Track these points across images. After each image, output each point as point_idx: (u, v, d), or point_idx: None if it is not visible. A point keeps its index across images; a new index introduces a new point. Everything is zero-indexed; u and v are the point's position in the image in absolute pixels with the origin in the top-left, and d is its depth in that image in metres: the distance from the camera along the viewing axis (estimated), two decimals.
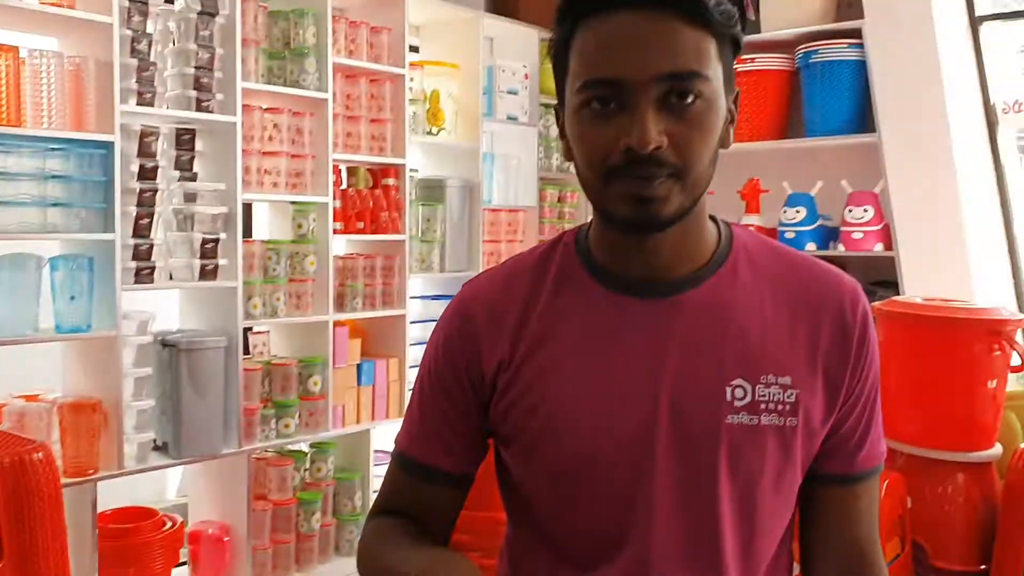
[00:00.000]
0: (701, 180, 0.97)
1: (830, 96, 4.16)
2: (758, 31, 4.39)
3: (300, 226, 3.44)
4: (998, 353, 2.02)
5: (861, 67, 4.07)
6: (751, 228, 1.26)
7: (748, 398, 0.99)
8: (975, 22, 4.04)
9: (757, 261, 1.06)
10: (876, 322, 2.04)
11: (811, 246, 4.09)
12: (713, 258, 1.04)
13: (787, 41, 4.30)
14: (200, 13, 3.07)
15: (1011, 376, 2.27)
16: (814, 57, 4.17)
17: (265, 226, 3.75)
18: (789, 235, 4.12)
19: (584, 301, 1.05)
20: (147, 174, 2.97)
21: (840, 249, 4.05)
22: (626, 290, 1.04)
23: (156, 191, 3.00)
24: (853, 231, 4.01)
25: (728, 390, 0.99)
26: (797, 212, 4.12)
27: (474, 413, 1.09)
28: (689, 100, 0.94)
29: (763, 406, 0.99)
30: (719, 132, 0.97)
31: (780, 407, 1.00)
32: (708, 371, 1.00)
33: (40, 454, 2.18)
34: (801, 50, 4.23)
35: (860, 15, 4.06)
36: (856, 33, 4.05)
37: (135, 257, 2.95)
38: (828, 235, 4.15)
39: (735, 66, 1.01)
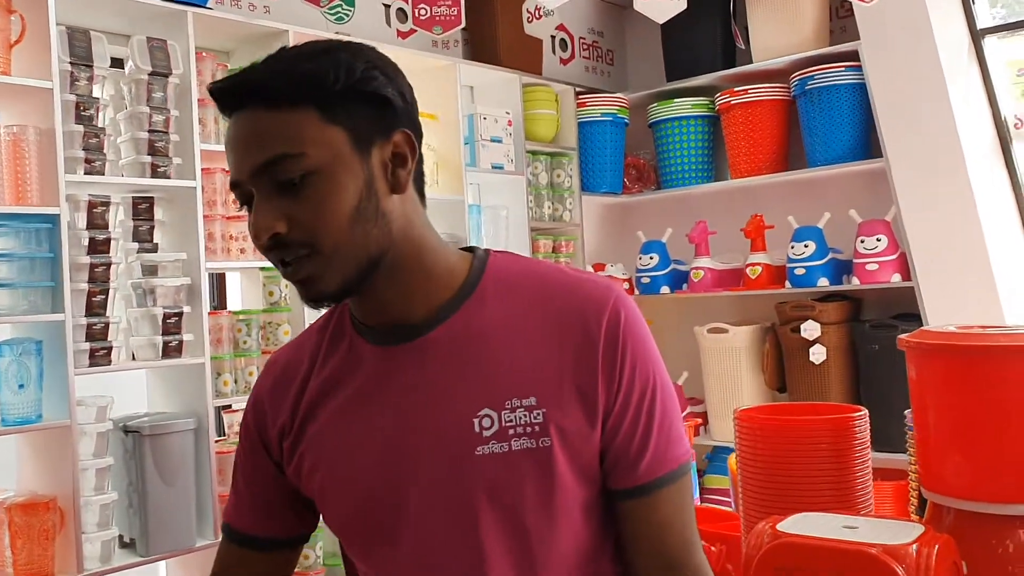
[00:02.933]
0: (347, 246, 0.97)
1: (830, 123, 3.95)
2: (749, 61, 4.22)
3: (272, 294, 3.21)
4: None
5: (860, 90, 3.87)
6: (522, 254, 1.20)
7: (495, 426, 1.00)
8: (977, 36, 3.84)
9: (512, 286, 1.06)
10: (906, 357, 1.79)
11: (823, 281, 3.84)
12: (459, 292, 1.05)
13: (780, 69, 4.11)
14: (152, 74, 2.88)
15: None
16: (810, 83, 3.97)
17: (238, 296, 3.52)
18: (799, 271, 3.87)
19: (351, 357, 1.07)
20: (99, 247, 2.75)
21: (855, 282, 3.80)
22: (382, 340, 1.06)
23: (110, 265, 2.77)
24: (867, 263, 3.76)
25: (475, 421, 1.00)
26: (806, 247, 3.87)
27: (282, 477, 1.13)
28: (294, 180, 0.96)
29: (512, 431, 0.99)
30: (351, 194, 0.97)
31: (529, 429, 0.99)
32: (455, 407, 1.01)
33: None
34: (796, 77, 4.04)
35: (855, 37, 3.88)
36: (852, 56, 3.87)
37: (89, 338, 2.72)
38: (841, 269, 3.90)
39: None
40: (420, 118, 1.06)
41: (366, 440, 1.04)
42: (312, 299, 1.00)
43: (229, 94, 0.98)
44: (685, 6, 3.43)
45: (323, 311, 1.11)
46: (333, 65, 0.97)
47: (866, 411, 1.85)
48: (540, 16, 4.04)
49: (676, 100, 4.41)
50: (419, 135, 1.04)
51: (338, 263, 0.98)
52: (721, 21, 4.35)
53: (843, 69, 3.89)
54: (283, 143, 0.95)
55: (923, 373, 1.67)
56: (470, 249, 1.11)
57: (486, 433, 0.99)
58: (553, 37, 4.65)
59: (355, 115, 0.98)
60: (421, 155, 1.05)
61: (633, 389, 1.02)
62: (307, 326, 1.17)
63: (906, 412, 2.54)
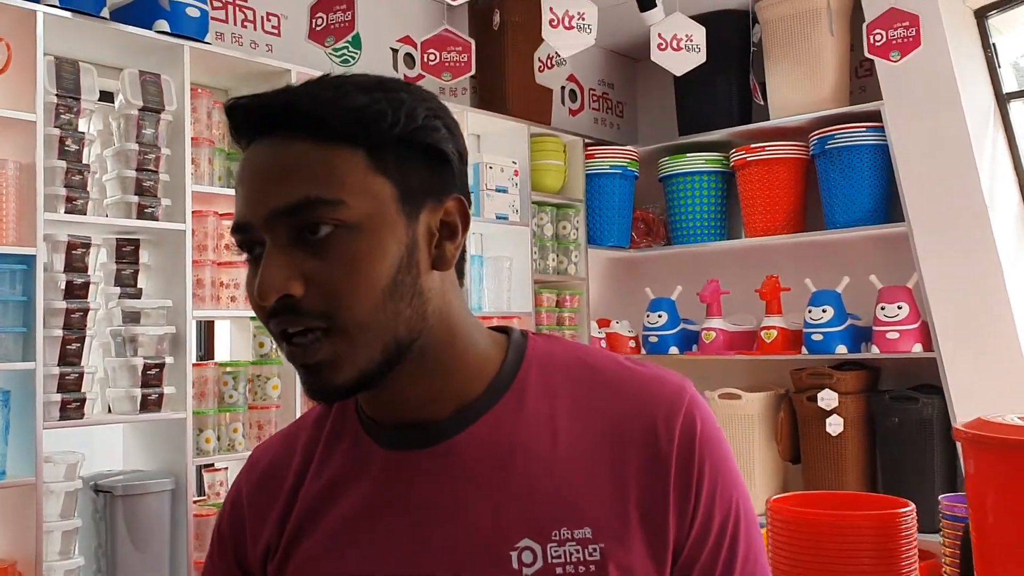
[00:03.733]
0: (375, 326, 0.78)
1: (850, 184, 3.81)
2: (767, 118, 4.09)
3: (262, 345, 3.02)
4: None
5: (882, 151, 3.74)
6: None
7: (539, 562, 0.79)
8: (1003, 100, 3.72)
9: (556, 380, 0.86)
10: (963, 451, 1.61)
11: (841, 348, 3.67)
12: (492, 386, 0.85)
13: (799, 127, 3.99)
14: (143, 109, 2.72)
15: None
16: (830, 143, 3.84)
17: (227, 346, 3.33)
18: (817, 337, 3.70)
19: (355, 460, 0.87)
20: (76, 291, 2.57)
21: (874, 351, 3.62)
22: (395, 443, 0.86)
23: (87, 311, 2.59)
24: (887, 331, 3.59)
25: (513, 555, 0.79)
26: (823, 312, 3.70)
27: None
28: (322, 232, 0.76)
29: (560, 570, 0.78)
30: (389, 262, 0.78)
31: (583, 569, 0.78)
32: (487, 534, 0.80)
33: None
34: (815, 136, 3.91)
35: (876, 96, 3.76)
36: (874, 116, 3.74)
37: (61, 388, 2.52)
38: (860, 336, 3.73)
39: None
40: None
41: (372, 568, 0.83)
42: (320, 390, 0.79)
43: (255, 115, 0.79)
44: (704, 59, 3.30)
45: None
46: (392, 104, 0.79)
47: (913, 507, 1.67)
48: (552, 65, 3.90)
49: (689, 154, 4.27)
50: (471, 204, 0.87)
51: (361, 347, 0.78)
52: (738, 76, 4.23)
53: (864, 129, 3.76)
54: (319, 185, 0.76)
55: (984, 470, 1.49)
56: (504, 330, 0.91)
57: (527, 571, 0.79)
58: (563, 87, 4.53)
59: (407, 168, 0.80)
60: (466, 231, 0.87)
61: (712, 519, 0.82)
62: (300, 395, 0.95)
63: (942, 498, 2.36)
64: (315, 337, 0.77)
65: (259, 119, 0.79)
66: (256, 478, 0.93)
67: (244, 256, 0.81)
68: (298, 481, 0.89)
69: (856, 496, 1.92)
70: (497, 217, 3.83)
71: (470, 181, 3.49)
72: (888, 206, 3.78)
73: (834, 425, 3.67)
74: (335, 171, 0.77)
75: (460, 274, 0.88)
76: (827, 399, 3.67)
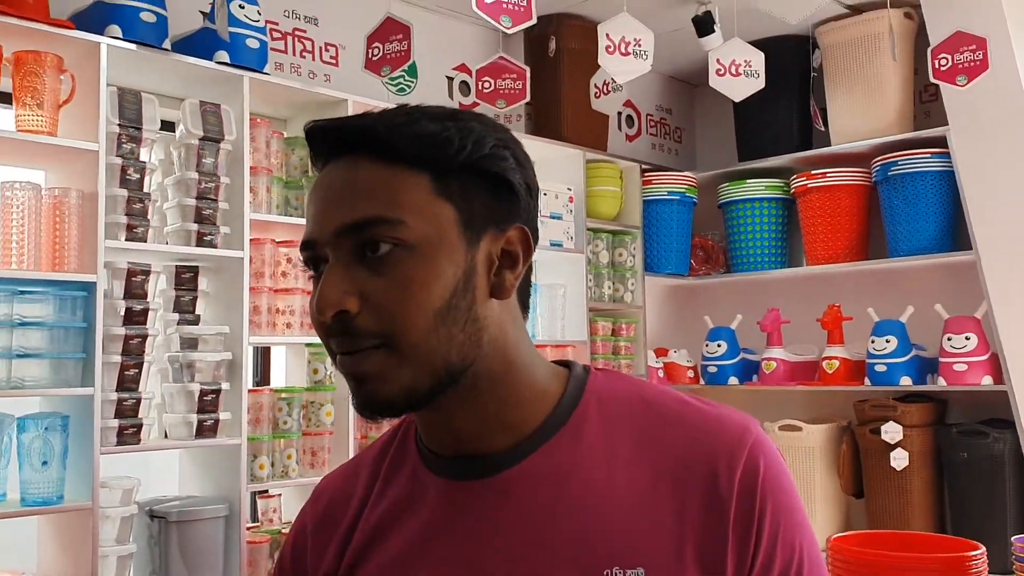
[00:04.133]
0: (427, 347, 0.79)
1: (915, 211, 3.72)
2: (828, 144, 4.01)
3: (316, 371, 3.03)
4: None
5: (948, 178, 3.64)
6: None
7: None
8: None
9: (617, 416, 0.86)
10: None
11: (906, 380, 3.56)
12: (549, 419, 0.85)
13: (861, 153, 3.90)
14: (203, 139, 2.76)
15: None
16: (893, 169, 3.75)
17: (283, 372, 3.35)
18: (880, 368, 3.60)
19: (413, 489, 0.88)
20: (135, 318, 2.61)
21: (941, 383, 3.51)
22: (450, 472, 0.86)
23: (146, 337, 2.62)
24: (954, 363, 3.47)
25: None
26: (887, 342, 3.60)
27: None
28: (381, 251, 0.79)
29: None
30: (444, 285, 0.79)
31: None
32: (539, 569, 0.80)
33: None
34: (878, 162, 3.82)
35: (942, 122, 3.66)
36: (939, 142, 3.65)
37: (118, 414, 2.55)
38: (925, 367, 3.62)
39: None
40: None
41: None
42: (368, 404, 0.81)
43: (329, 137, 0.83)
44: (763, 85, 3.25)
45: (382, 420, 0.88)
46: (461, 132, 0.81)
47: (983, 549, 1.60)
48: (608, 92, 3.88)
49: (749, 181, 4.20)
50: (536, 238, 0.87)
51: (410, 366, 0.79)
52: (798, 101, 4.16)
53: (929, 155, 3.67)
54: (382, 204, 0.79)
55: None
56: (566, 364, 0.91)
57: None
58: (619, 113, 4.50)
59: (471, 195, 0.82)
60: (530, 263, 0.87)
61: (773, 564, 0.80)
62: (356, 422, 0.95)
63: (1015, 539, 2.26)
64: (369, 351, 0.79)
65: (333, 141, 0.83)
66: (320, 510, 0.95)
67: (309, 274, 0.84)
68: (358, 512, 0.90)
69: (922, 536, 1.84)
70: (551, 244, 3.81)
71: None
72: (954, 234, 3.68)
73: (899, 459, 3.55)
74: (398, 192, 0.79)
75: (525, 307, 0.89)
76: (891, 432, 3.56)
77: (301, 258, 0.84)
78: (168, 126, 2.87)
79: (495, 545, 0.82)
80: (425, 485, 0.87)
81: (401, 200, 0.79)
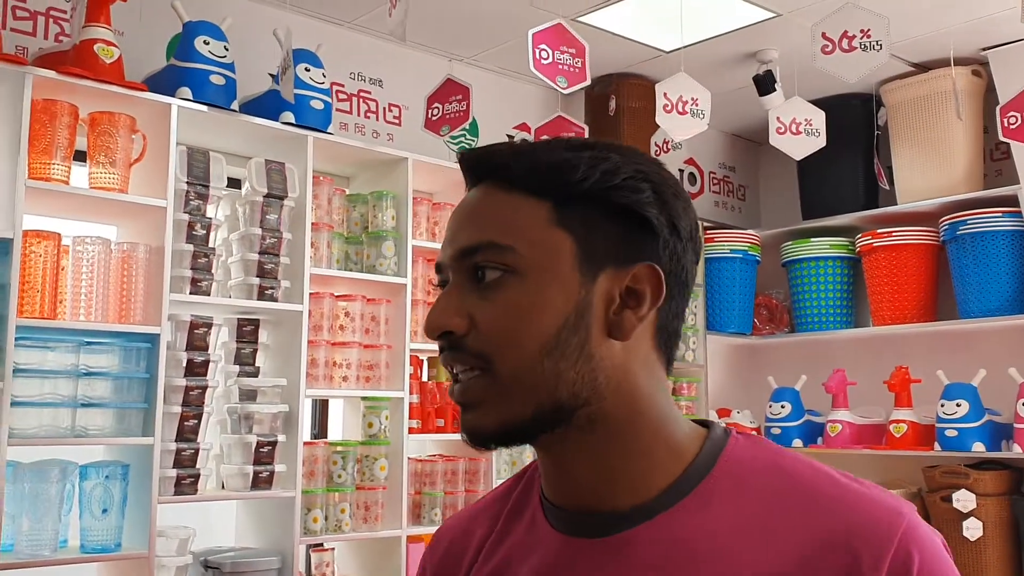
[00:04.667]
0: (529, 377, 0.76)
1: (985, 271, 3.62)
2: (894, 202, 3.95)
3: (371, 425, 3.05)
4: None
5: (1019, 237, 3.54)
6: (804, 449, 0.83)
7: None
8: None
9: (753, 487, 0.78)
10: None
11: (979, 446, 3.43)
12: (678, 482, 0.78)
13: (928, 212, 3.83)
14: (267, 196, 2.84)
15: None
16: (962, 228, 3.67)
17: (339, 425, 3.38)
18: (951, 433, 3.48)
19: (530, 538, 0.84)
20: (196, 369, 2.67)
21: (1016, 450, 3.38)
22: (563, 526, 0.81)
23: (205, 388, 2.68)
24: None
25: None
26: (958, 406, 3.48)
27: None
28: (489, 277, 0.77)
29: None
30: (552, 316, 0.76)
31: None
32: None
33: None
34: (946, 221, 3.74)
35: (1012, 180, 3.58)
36: (1010, 200, 3.56)
37: (177, 464, 2.60)
38: (999, 433, 3.49)
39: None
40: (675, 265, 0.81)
41: None
42: (469, 431, 0.79)
43: (468, 164, 0.83)
44: (824, 143, 3.23)
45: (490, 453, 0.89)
46: (592, 162, 0.78)
47: None
48: (668, 149, 3.89)
49: (813, 239, 4.15)
50: (682, 282, 0.81)
51: (510, 397, 0.76)
52: (863, 159, 4.11)
53: (1000, 215, 3.58)
54: (495, 230, 0.78)
55: None
56: (705, 424, 0.85)
57: None
58: (681, 171, 4.50)
59: (594, 226, 0.78)
60: (677, 307, 0.82)
61: None
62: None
63: None
64: (474, 377, 0.78)
65: (469, 168, 0.83)
66: (439, 555, 0.92)
67: None
68: (475, 557, 0.87)
69: None
70: None
71: None
72: None
73: (972, 529, 3.41)
74: (514, 219, 0.78)
75: (669, 358, 0.83)
76: (963, 500, 3.43)
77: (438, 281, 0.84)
78: (235, 183, 2.96)
79: None
80: (540, 536, 0.83)
81: (515, 227, 0.77)
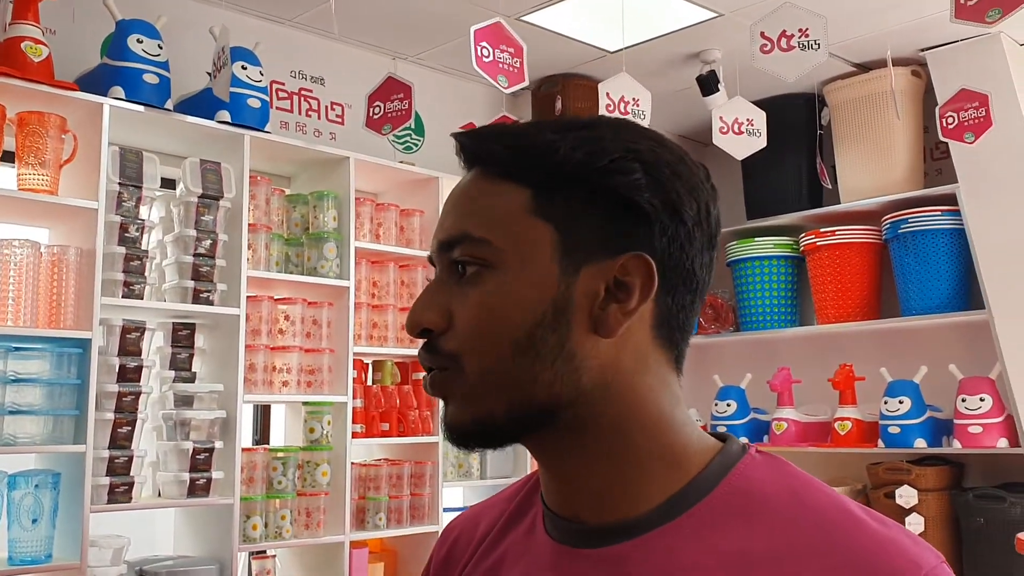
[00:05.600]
0: (498, 376, 0.71)
1: (926, 269, 3.66)
2: (837, 201, 3.98)
3: (312, 430, 3.01)
4: None
5: (959, 236, 3.59)
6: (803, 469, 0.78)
7: None
8: None
9: (765, 512, 0.69)
10: None
11: (920, 442, 3.47)
12: (677, 497, 0.71)
13: (870, 211, 3.86)
14: (202, 197, 2.78)
15: None
16: (903, 227, 3.70)
17: (282, 431, 3.33)
18: (894, 430, 3.52)
19: (521, 547, 0.79)
20: (129, 375, 2.61)
21: (956, 446, 3.42)
22: (559, 535, 0.76)
23: (139, 394, 2.62)
24: (969, 424, 3.39)
25: None
26: (900, 403, 3.52)
27: None
28: (468, 271, 0.72)
29: None
30: (524, 312, 0.71)
31: None
32: None
33: None
34: (888, 220, 3.78)
35: (952, 179, 3.62)
36: (950, 199, 3.60)
37: (110, 472, 2.54)
38: (940, 429, 3.53)
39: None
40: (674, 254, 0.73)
41: None
42: (447, 428, 0.75)
43: (460, 146, 0.76)
44: (765, 144, 3.24)
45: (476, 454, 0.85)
46: (574, 142, 0.71)
47: None
48: None
49: (757, 239, 4.17)
50: (687, 271, 0.74)
51: (482, 396, 0.72)
52: (807, 159, 4.14)
53: (940, 213, 3.62)
54: (473, 221, 0.72)
55: None
56: (722, 437, 0.77)
57: None
58: None
59: (578, 214, 0.71)
60: (682, 299, 0.74)
61: None
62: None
63: None
64: (443, 373, 0.73)
65: (458, 151, 0.76)
66: (447, 548, 0.88)
67: None
68: (472, 554, 0.83)
69: None
70: None
71: None
72: (967, 292, 3.61)
73: (914, 525, 3.45)
74: (492, 208, 0.72)
75: (678, 356, 0.76)
76: (906, 496, 3.47)
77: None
78: (169, 184, 2.90)
79: None
80: (535, 540, 0.78)
81: (493, 217, 0.72)
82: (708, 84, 3.63)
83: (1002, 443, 3.35)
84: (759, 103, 3.29)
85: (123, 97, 2.66)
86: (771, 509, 0.70)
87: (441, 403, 0.76)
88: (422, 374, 2.96)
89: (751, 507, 0.70)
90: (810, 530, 0.68)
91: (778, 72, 2.70)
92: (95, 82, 2.68)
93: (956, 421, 3.44)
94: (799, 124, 4.06)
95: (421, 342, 0.75)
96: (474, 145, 0.75)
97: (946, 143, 3.44)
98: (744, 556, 0.68)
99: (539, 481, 0.81)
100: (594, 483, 0.73)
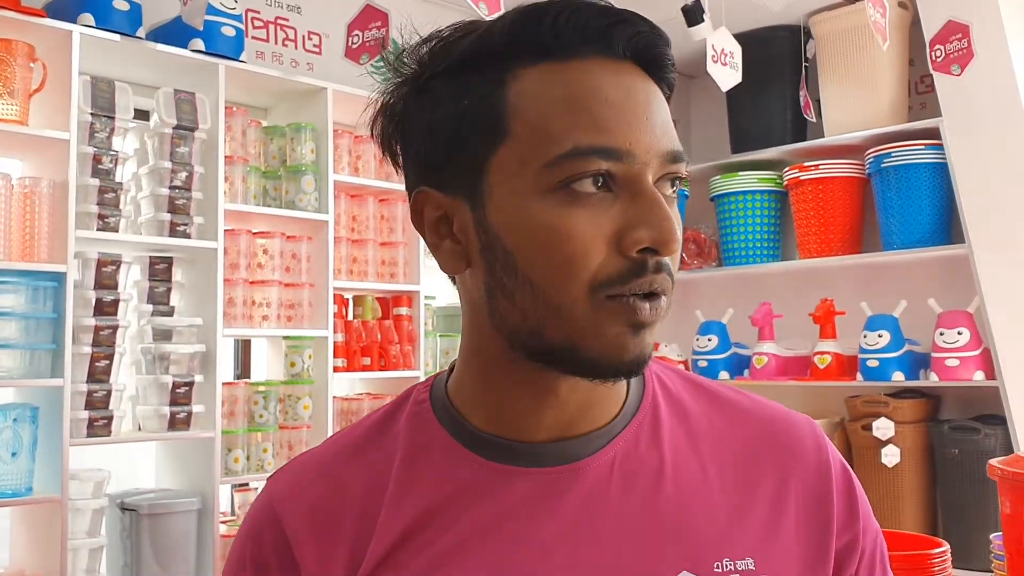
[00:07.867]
0: None
1: (908, 204, 3.65)
2: (821, 135, 3.95)
3: (293, 364, 3.00)
4: None
5: (941, 170, 3.57)
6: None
7: None
8: None
9: (682, 404, 0.79)
10: (999, 489, 1.49)
11: (898, 375, 3.50)
12: (625, 405, 0.77)
13: (854, 145, 3.83)
14: (177, 128, 2.73)
15: None
16: (886, 161, 3.68)
17: (264, 365, 3.32)
18: (872, 363, 3.54)
19: (453, 486, 0.73)
20: (106, 309, 2.58)
21: (933, 378, 3.45)
22: (515, 459, 0.74)
23: (116, 328, 2.60)
24: (947, 358, 3.42)
25: None
26: (879, 337, 3.54)
27: None
28: (675, 188, 0.72)
29: None
30: None
31: None
32: (638, 567, 0.71)
33: None
34: (871, 154, 3.76)
35: (936, 113, 3.59)
36: (933, 133, 3.58)
37: (88, 406, 2.53)
38: (918, 362, 3.56)
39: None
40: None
41: None
42: (638, 356, 0.70)
43: (640, 46, 0.70)
44: (740, 79, 3.19)
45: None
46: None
47: (947, 547, 1.56)
48: None
49: (741, 173, 4.15)
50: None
51: None
52: (792, 92, 4.10)
53: (923, 147, 3.60)
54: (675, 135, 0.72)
55: (1021, 513, 1.37)
56: None
57: None
58: None
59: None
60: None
61: (868, 552, 0.79)
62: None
63: (993, 537, 2.21)
64: (667, 299, 0.72)
65: (620, 39, 0.71)
66: (299, 516, 0.75)
67: (563, 190, 0.67)
68: (362, 518, 0.74)
69: (890, 535, 1.79)
70: None
71: None
72: (947, 227, 3.61)
73: (890, 456, 3.50)
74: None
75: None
76: (883, 428, 3.51)
77: (580, 168, 0.66)
78: (142, 115, 2.85)
79: (581, 543, 0.71)
80: (471, 479, 0.73)
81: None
82: (693, 14, 3.56)
83: (978, 376, 3.38)
84: (744, 35, 3.24)
85: (93, 24, 2.59)
86: (683, 398, 0.79)
87: (627, 330, 0.69)
88: (403, 309, 2.94)
89: (671, 399, 0.79)
90: (723, 409, 0.79)
91: (764, 1, 2.65)
92: (63, 9, 2.61)
93: (934, 354, 3.47)
94: (784, 57, 4.01)
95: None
96: (660, 51, 0.70)
97: (931, 77, 3.41)
98: (690, 439, 0.77)
99: (423, 412, 0.77)
100: (590, 399, 0.75)
